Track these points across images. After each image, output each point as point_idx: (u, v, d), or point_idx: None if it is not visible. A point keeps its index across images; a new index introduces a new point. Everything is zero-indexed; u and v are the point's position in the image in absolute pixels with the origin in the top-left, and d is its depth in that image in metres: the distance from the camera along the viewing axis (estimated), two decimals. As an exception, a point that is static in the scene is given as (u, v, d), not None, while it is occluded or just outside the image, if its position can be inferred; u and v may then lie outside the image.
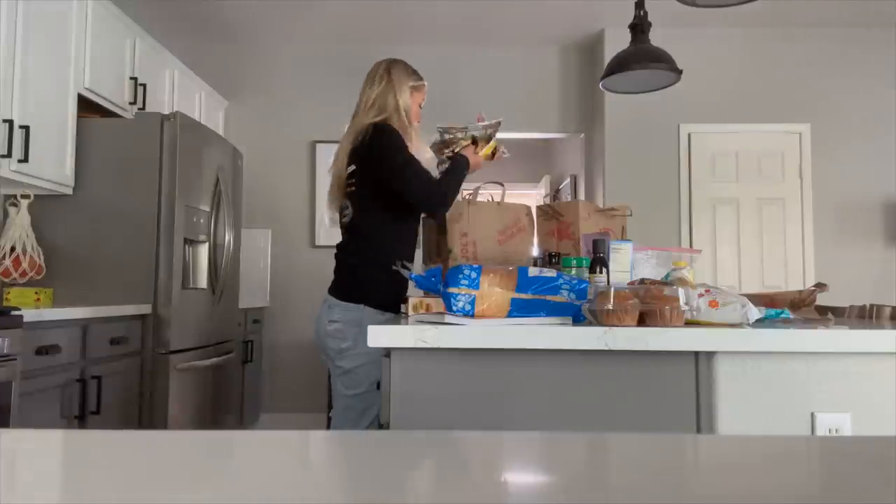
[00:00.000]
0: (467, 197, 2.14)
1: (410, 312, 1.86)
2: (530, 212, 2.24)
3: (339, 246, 2.14)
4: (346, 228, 2.14)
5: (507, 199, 2.18)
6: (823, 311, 1.99)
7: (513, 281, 1.40)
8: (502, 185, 2.23)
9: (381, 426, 1.83)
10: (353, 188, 2.09)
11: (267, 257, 4.68)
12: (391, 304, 2.03)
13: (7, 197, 2.92)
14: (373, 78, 2.18)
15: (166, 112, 3.21)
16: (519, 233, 2.15)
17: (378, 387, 1.87)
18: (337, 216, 2.18)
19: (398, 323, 1.41)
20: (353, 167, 2.08)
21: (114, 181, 3.04)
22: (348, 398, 2.01)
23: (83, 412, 2.49)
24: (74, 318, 2.44)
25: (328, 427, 4.21)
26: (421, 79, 2.24)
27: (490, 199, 2.17)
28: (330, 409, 4.38)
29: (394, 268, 1.73)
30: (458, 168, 2.11)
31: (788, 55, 4.53)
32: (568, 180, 5.72)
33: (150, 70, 3.67)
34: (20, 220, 2.84)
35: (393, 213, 2.07)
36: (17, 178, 2.65)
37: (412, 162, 2.03)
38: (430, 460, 0.50)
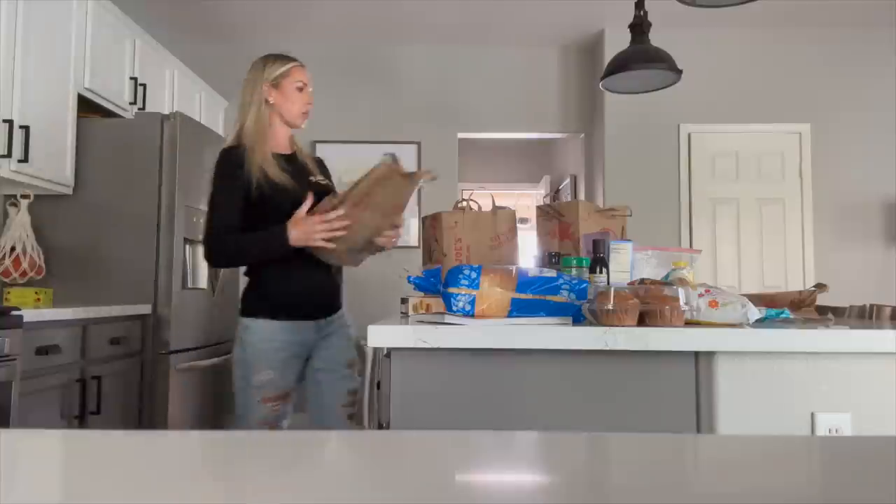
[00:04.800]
0: (461, 204, 2.17)
1: (410, 312, 1.86)
2: (515, 216, 2.28)
3: None
4: None
5: (505, 201, 2.20)
6: (823, 311, 1.99)
7: (513, 281, 1.40)
8: (492, 195, 2.27)
9: (381, 426, 1.83)
10: None
11: (267, 257, 4.67)
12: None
13: (7, 197, 2.92)
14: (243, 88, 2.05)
15: (166, 112, 3.21)
16: (511, 239, 2.18)
17: (378, 387, 1.88)
18: None
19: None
20: None
21: (114, 181, 3.04)
22: None
23: (83, 412, 2.49)
24: (74, 318, 2.44)
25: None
26: (284, 61, 2.03)
27: (476, 207, 2.19)
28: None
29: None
30: (271, 236, 1.86)
31: (788, 55, 4.53)
32: (568, 180, 5.72)
33: (150, 70, 3.67)
34: (20, 220, 2.84)
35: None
36: (17, 178, 2.65)
37: (213, 201, 1.92)
38: (429, 460, 0.50)
